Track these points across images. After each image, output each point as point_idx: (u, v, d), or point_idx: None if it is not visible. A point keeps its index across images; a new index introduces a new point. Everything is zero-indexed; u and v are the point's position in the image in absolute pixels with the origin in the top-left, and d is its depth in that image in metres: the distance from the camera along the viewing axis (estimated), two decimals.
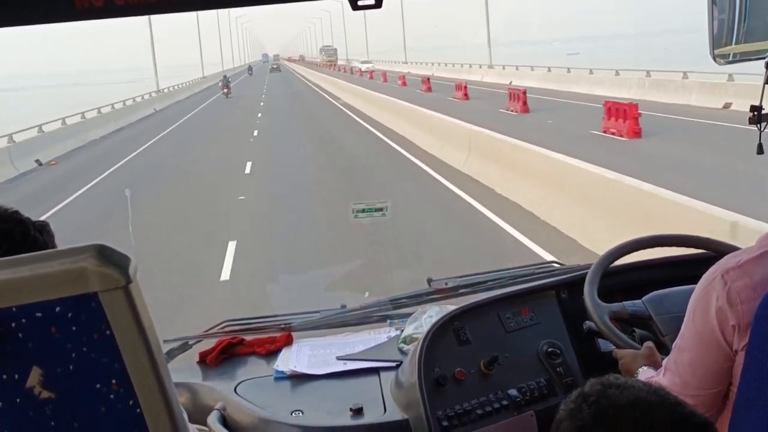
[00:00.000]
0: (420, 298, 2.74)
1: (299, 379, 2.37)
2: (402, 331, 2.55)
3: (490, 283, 2.74)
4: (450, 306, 2.58)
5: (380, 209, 2.96)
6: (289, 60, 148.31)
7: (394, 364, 2.36)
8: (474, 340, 2.26)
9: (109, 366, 0.93)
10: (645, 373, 1.84)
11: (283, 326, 2.69)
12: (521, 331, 2.31)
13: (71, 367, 0.93)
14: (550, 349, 2.26)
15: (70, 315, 0.90)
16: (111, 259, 0.89)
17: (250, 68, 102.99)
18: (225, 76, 51.81)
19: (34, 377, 0.92)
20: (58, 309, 0.89)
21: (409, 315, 2.63)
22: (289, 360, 2.47)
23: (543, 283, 2.51)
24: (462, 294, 2.72)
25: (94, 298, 0.90)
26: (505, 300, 2.39)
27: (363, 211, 2.97)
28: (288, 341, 2.61)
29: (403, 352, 2.43)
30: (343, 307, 2.81)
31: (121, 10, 1.72)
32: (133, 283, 0.92)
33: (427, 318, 2.49)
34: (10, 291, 0.88)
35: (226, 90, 47.74)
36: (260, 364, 2.52)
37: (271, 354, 2.56)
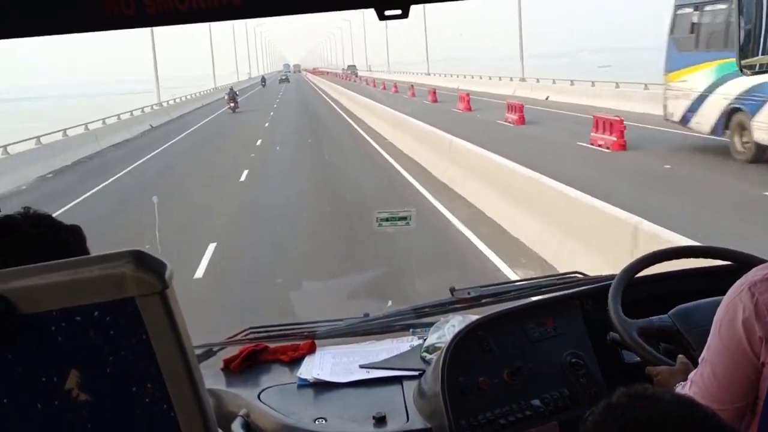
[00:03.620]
0: (443, 308, 2.74)
1: (322, 386, 2.38)
2: (425, 340, 2.55)
3: (513, 293, 2.74)
4: (473, 316, 2.58)
5: (404, 218, 2.97)
6: (314, 72, 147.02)
7: (416, 373, 2.37)
8: (497, 350, 2.25)
9: (145, 370, 0.95)
10: (683, 390, 1.82)
11: (306, 334, 2.70)
12: (545, 341, 2.31)
13: (108, 370, 0.94)
14: (573, 360, 2.26)
15: (108, 319, 0.92)
16: (148, 264, 0.91)
17: (263, 79, 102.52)
18: (231, 89, 48.12)
19: (72, 380, 0.94)
20: (96, 313, 0.91)
21: (431, 324, 2.63)
22: (313, 368, 2.48)
23: (566, 293, 2.50)
24: (485, 304, 2.72)
25: (132, 302, 0.91)
26: (528, 310, 2.39)
27: (387, 219, 2.98)
28: (311, 349, 2.62)
29: (426, 362, 2.43)
30: (366, 315, 2.82)
31: (152, 20, 1.75)
32: (169, 289, 0.93)
33: (450, 327, 2.49)
34: (51, 295, 0.90)
35: (232, 104, 44.47)
36: (283, 372, 2.53)
37: (295, 361, 2.57)
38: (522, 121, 25.87)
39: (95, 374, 0.94)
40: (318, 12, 1.70)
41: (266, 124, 33.55)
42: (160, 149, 26.99)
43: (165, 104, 47.81)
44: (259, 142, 25.95)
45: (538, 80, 43.60)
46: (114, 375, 0.94)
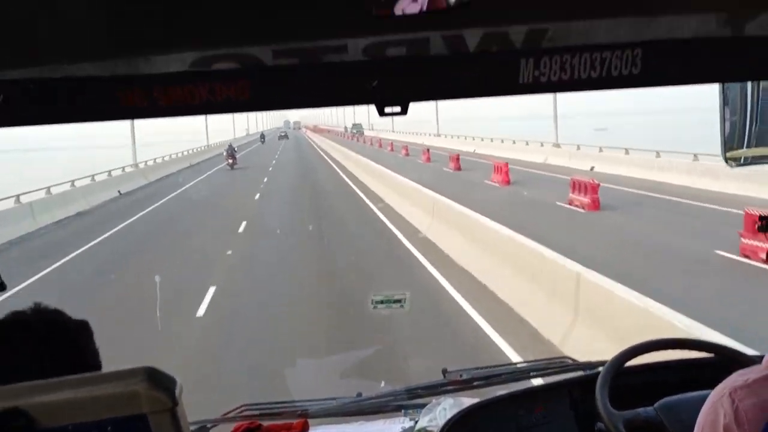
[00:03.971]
0: (435, 389, 2.78)
1: None
2: (416, 422, 2.59)
3: (503, 376, 2.78)
4: (464, 398, 2.62)
5: (398, 300, 3.04)
6: (314, 129, 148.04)
7: None
8: None
9: None
10: None
11: (299, 412, 2.73)
12: (534, 429, 2.34)
13: None
14: None
15: None
16: (160, 382, 0.97)
17: (262, 136, 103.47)
18: (230, 146, 46.68)
19: None
20: (110, 428, 0.96)
21: (423, 406, 2.67)
22: None
23: (555, 381, 2.55)
24: (476, 386, 2.76)
25: (144, 419, 0.97)
26: (518, 397, 2.43)
27: (382, 302, 3.04)
28: (304, 428, 2.65)
29: None
30: (359, 395, 2.85)
31: (163, 111, 1.85)
32: (179, 405, 0.98)
33: (441, 410, 2.53)
34: (68, 410, 0.96)
35: (231, 161, 43.66)
36: None
37: None
38: (596, 206, 20.11)
39: None
40: (321, 107, 1.81)
41: (257, 196, 27.75)
42: (109, 233, 20.42)
43: (143, 165, 41.71)
44: (242, 227, 19.58)
45: (578, 147, 36.90)
46: None
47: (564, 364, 2.84)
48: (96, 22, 1.79)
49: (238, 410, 2.77)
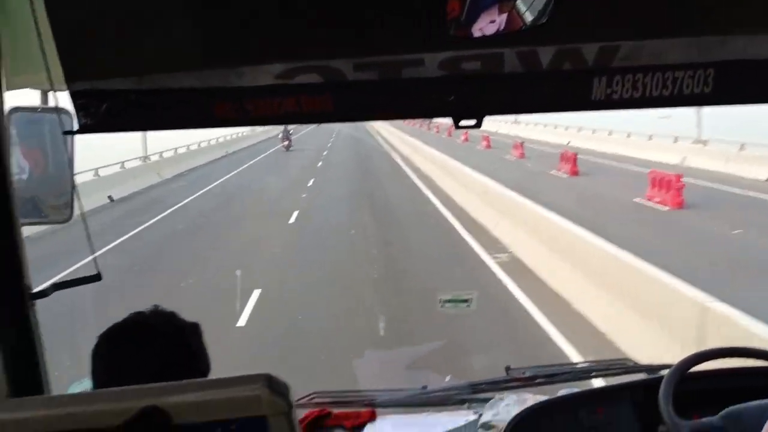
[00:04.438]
0: (498, 385, 2.87)
1: None
2: (480, 415, 2.69)
3: (565, 375, 2.86)
4: (526, 395, 2.71)
5: (465, 300, 3.14)
6: None
7: None
8: None
9: None
10: None
11: (367, 402, 2.86)
12: (596, 430, 2.41)
13: None
14: None
15: None
16: (278, 387, 1.10)
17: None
18: (285, 128, 44.67)
19: None
20: (233, 427, 1.10)
21: (487, 400, 2.77)
22: None
23: (618, 384, 2.60)
24: (538, 384, 2.84)
25: (263, 421, 1.10)
26: (580, 397, 2.51)
27: (449, 301, 3.15)
28: (372, 417, 2.78)
29: None
30: (424, 387, 2.96)
31: (252, 120, 2.00)
32: (293, 409, 1.12)
33: (504, 406, 2.63)
34: (199, 409, 1.09)
35: (287, 143, 44.59)
36: None
37: (356, 429, 2.73)
38: (680, 203, 17.57)
39: None
40: (400, 119, 1.93)
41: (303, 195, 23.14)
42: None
43: (154, 158, 33.06)
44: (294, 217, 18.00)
45: (650, 137, 29.66)
46: None
47: (626, 366, 2.89)
48: (192, 37, 1.94)
49: (309, 397, 2.92)
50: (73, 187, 2.54)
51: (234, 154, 43.64)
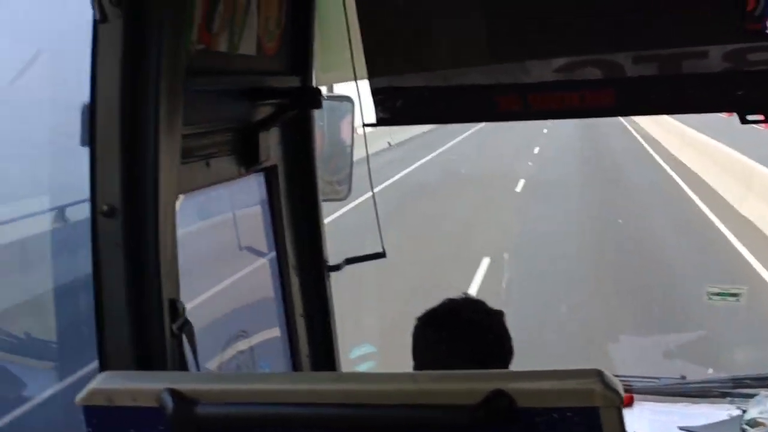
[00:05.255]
0: (764, 381, 2.79)
1: None
2: (744, 411, 2.64)
3: None
4: None
5: (735, 294, 3.07)
6: None
7: None
8: None
9: None
10: None
11: (624, 387, 2.91)
12: None
13: None
14: None
15: (576, 420, 1.21)
16: (610, 383, 1.19)
17: None
18: None
19: None
20: (568, 414, 1.21)
21: (751, 396, 2.70)
22: (632, 422, 2.68)
23: None
24: None
25: (595, 411, 1.19)
26: None
27: (717, 294, 3.10)
28: (629, 402, 2.82)
29: None
30: (683, 377, 2.95)
31: (534, 114, 2.13)
32: (622, 406, 1.20)
33: None
34: (536, 396, 1.22)
35: None
36: None
37: None
38: None
39: None
40: (681, 114, 1.96)
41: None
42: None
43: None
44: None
45: None
46: None
47: None
48: (479, 35, 2.11)
49: None
50: (351, 167, 2.82)
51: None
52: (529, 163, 23.28)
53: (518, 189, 18.50)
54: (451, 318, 1.82)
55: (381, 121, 2.24)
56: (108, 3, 1.42)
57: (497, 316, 1.84)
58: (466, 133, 30.26)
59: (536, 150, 26.58)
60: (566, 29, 2.02)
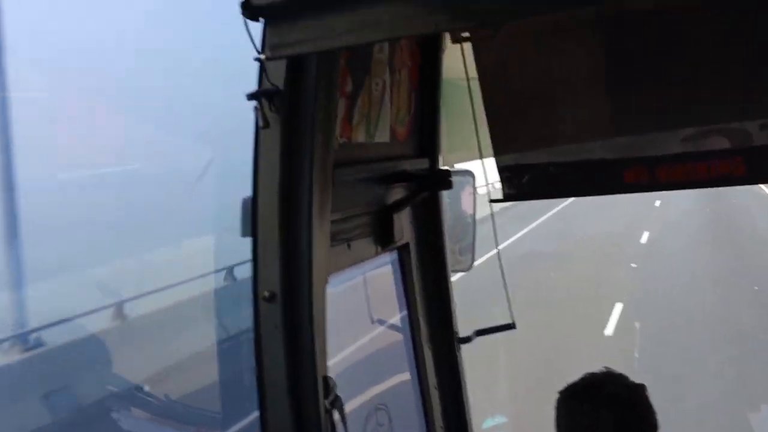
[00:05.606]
0: None
1: None
2: None
3: None
4: None
5: None
6: None
7: None
8: None
9: None
10: None
11: None
12: None
13: None
14: None
15: None
16: None
17: None
18: None
19: None
20: None
21: None
22: None
23: None
24: None
25: None
26: None
27: None
28: None
29: None
30: None
31: (660, 186, 2.17)
32: None
33: None
34: None
35: None
36: None
37: None
38: None
39: None
40: None
41: None
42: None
43: None
44: None
45: None
46: None
47: None
48: (602, 110, 2.18)
49: None
50: (474, 238, 2.89)
51: None
52: (633, 265, 16.61)
53: (608, 332, 11.51)
54: (593, 392, 1.85)
55: (508, 197, 2.32)
56: (269, 111, 1.57)
57: (639, 390, 1.87)
58: (559, 207, 25.38)
59: (644, 238, 20.17)
60: (690, 100, 2.07)
